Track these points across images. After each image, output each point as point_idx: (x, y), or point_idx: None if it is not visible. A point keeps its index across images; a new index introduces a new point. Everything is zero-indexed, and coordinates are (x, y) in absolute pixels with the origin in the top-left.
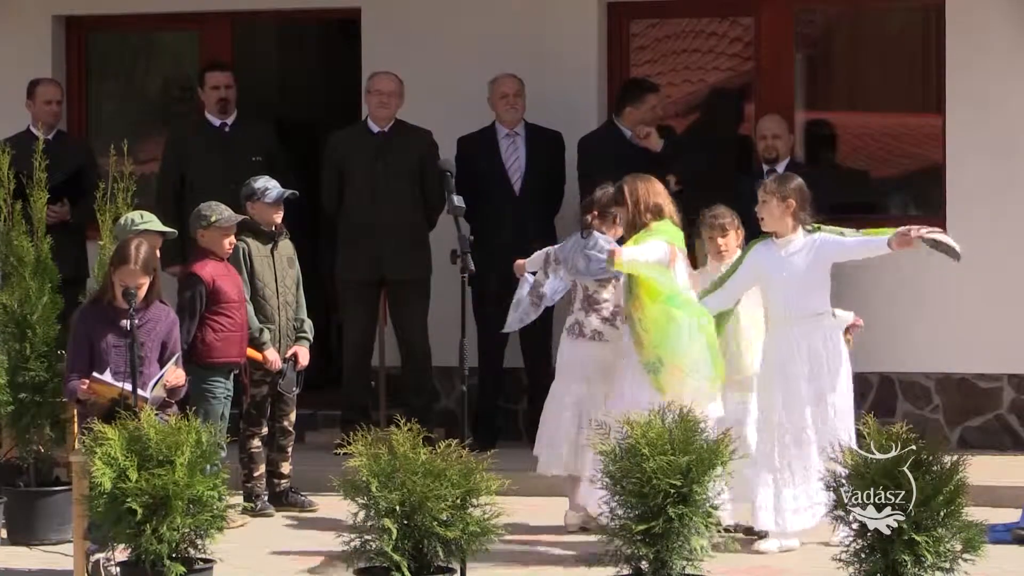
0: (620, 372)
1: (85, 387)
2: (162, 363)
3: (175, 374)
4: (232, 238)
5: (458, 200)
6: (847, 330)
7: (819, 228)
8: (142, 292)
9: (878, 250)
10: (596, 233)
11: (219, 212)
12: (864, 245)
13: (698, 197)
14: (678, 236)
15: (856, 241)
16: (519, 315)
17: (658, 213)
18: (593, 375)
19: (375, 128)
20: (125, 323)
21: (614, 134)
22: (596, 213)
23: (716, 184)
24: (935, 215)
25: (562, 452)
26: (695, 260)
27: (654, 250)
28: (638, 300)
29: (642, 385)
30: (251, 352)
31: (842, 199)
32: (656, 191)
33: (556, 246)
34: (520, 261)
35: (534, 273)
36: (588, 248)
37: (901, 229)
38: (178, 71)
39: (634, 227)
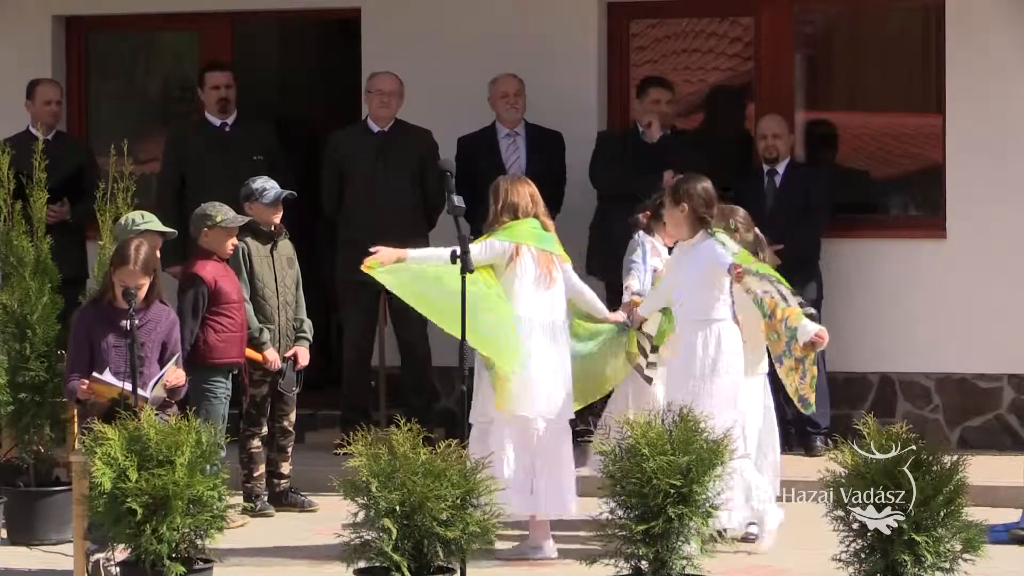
0: None
1: (85, 387)
2: (162, 363)
3: (175, 374)
4: (235, 239)
5: (458, 200)
6: (807, 345)
7: (715, 232)
8: (142, 292)
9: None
10: (640, 237)
11: (224, 212)
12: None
13: None
14: (534, 236)
15: (726, 252)
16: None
17: (513, 213)
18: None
19: (375, 128)
20: (125, 323)
21: (629, 128)
22: (649, 213)
23: (716, 184)
24: (935, 215)
25: None
26: None
27: (484, 250)
28: None
29: (489, 386)
30: (250, 352)
31: (842, 199)
32: (519, 192)
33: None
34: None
35: None
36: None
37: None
38: (178, 71)
39: (492, 225)
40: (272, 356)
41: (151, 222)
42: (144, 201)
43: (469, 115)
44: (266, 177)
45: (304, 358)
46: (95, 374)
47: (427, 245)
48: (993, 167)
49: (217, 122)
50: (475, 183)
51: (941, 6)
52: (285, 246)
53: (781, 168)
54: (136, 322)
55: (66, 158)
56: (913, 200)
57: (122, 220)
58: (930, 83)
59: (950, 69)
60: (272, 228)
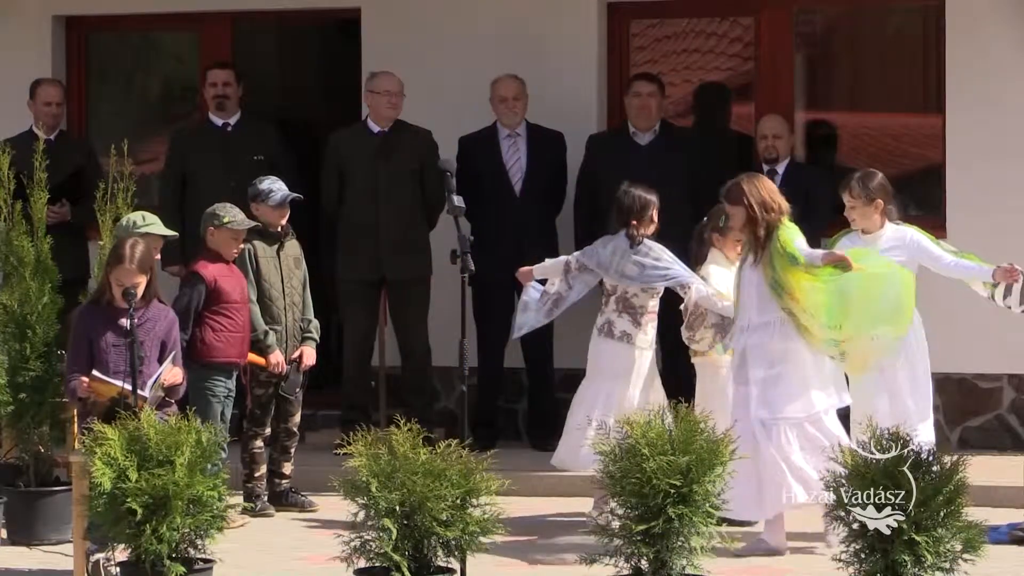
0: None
1: (85, 385)
2: (161, 362)
3: (172, 372)
4: (241, 244)
5: (458, 200)
6: None
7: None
8: (139, 290)
9: None
10: (648, 242)
11: (233, 215)
12: None
13: (701, 196)
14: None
15: None
16: (530, 321)
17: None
18: (620, 374)
19: (375, 128)
20: (124, 322)
21: (622, 131)
22: (635, 222)
23: (716, 183)
24: (935, 215)
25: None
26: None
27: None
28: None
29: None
30: (254, 357)
31: (842, 199)
32: (770, 188)
33: (580, 254)
34: (525, 269)
35: (542, 281)
36: (641, 255)
37: None
38: (178, 71)
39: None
40: (275, 360)
41: (152, 224)
42: (145, 201)
43: (469, 115)
44: (274, 178)
45: (310, 358)
46: (95, 372)
47: (427, 245)
48: (993, 167)
49: (219, 122)
50: (476, 183)
51: (941, 6)
52: (292, 246)
53: (781, 168)
54: (135, 321)
55: (68, 158)
56: (913, 200)
57: (123, 221)
58: (930, 83)
59: (950, 69)
60: (279, 229)
